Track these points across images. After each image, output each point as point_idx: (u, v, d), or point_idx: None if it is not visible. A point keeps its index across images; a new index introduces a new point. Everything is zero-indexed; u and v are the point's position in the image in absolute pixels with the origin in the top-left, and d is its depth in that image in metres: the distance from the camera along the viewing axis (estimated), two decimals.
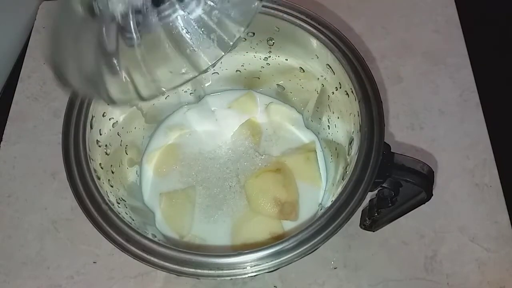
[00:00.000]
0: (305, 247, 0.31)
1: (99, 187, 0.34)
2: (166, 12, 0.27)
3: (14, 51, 0.61)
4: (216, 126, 0.51)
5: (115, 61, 0.27)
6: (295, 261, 0.31)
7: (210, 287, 0.46)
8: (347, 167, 0.37)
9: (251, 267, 0.31)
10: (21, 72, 0.57)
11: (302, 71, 0.44)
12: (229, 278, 0.31)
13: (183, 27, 0.28)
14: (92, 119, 0.36)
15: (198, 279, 0.44)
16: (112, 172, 0.40)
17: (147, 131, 0.49)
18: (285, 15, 0.38)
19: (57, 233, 0.48)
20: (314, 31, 0.38)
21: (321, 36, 0.38)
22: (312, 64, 0.42)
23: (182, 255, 0.31)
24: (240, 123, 0.50)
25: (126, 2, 0.26)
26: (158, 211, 0.46)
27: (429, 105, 0.54)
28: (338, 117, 0.42)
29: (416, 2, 0.61)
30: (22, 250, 0.47)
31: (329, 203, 0.34)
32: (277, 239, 0.40)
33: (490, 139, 0.52)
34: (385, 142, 0.34)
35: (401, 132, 0.52)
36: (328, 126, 0.46)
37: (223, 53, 0.29)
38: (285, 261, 0.31)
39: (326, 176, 0.47)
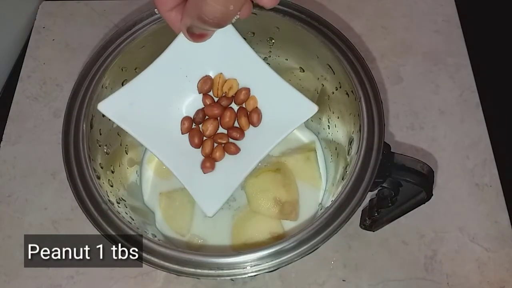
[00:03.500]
0: (305, 247, 0.31)
1: (99, 187, 0.34)
2: None
3: (14, 51, 0.61)
4: None
5: None
6: (295, 261, 0.31)
7: (210, 287, 0.46)
8: (347, 167, 0.37)
9: (251, 267, 0.31)
10: (21, 72, 0.57)
11: (302, 71, 0.44)
12: (229, 278, 0.31)
13: None
14: (92, 119, 0.36)
15: (198, 279, 0.44)
16: (112, 172, 0.40)
17: None
18: (285, 15, 0.38)
19: (57, 232, 0.48)
20: (314, 31, 0.38)
21: (321, 36, 0.38)
22: (312, 64, 0.42)
23: (182, 255, 0.31)
24: None
25: None
26: (158, 211, 0.46)
27: (429, 105, 0.54)
28: (338, 117, 0.42)
29: (416, 2, 0.61)
30: (22, 250, 0.47)
31: (329, 203, 0.34)
32: (277, 239, 0.40)
33: (490, 139, 0.52)
34: (385, 142, 0.34)
35: (401, 132, 0.52)
36: (328, 126, 0.46)
37: None
38: (285, 261, 0.31)
39: (326, 176, 0.47)
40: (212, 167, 0.36)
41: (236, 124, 0.37)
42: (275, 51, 0.43)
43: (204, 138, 0.37)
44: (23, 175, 0.51)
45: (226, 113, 0.36)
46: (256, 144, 0.37)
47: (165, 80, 0.35)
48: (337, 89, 0.40)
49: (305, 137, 0.50)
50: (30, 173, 0.51)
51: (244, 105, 0.37)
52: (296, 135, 0.50)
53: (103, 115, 0.38)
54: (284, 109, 0.36)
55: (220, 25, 0.28)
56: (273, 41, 0.42)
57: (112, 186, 0.38)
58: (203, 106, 0.37)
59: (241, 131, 0.37)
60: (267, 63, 0.40)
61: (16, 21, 0.61)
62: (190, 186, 0.36)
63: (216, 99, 0.37)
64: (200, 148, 0.37)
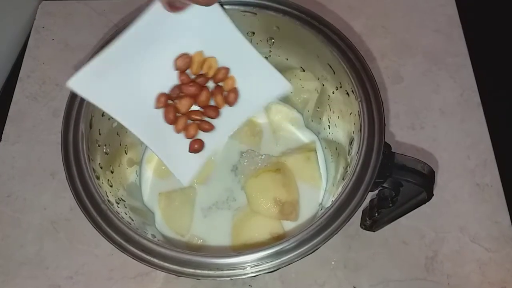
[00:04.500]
0: (305, 247, 0.31)
1: (98, 187, 0.34)
2: None
3: (14, 51, 0.61)
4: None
5: None
6: (295, 261, 0.31)
7: (210, 287, 0.46)
8: (348, 167, 0.37)
9: (251, 267, 0.31)
10: (20, 72, 0.57)
11: (302, 70, 0.44)
12: (229, 278, 0.31)
13: None
14: (91, 119, 0.36)
15: (197, 279, 0.44)
16: (112, 172, 0.40)
17: None
18: (285, 14, 0.38)
19: (56, 233, 0.48)
20: (315, 30, 0.38)
21: (322, 35, 0.38)
22: (312, 63, 0.41)
23: (182, 255, 0.31)
24: None
25: None
26: (157, 211, 0.46)
27: (430, 105, 0.54)
28: (338, 117, 0.42)
29: (417, 2, 0.61)
30: (21, 250, 0.47)
31: (329, 203, 0.34)
32: (277, 239, 0.40)
33: (491, 139, 0.52)
34: (385, 142, 0.34)
35: (401, 132, 0.52)
36: (329, 126, 0.45)
37: None
38: (285, 262, 0.31)
39: (327, 176, 0.47)
40: (201, 148, 0.38)
41: (211, 102, 0.38)
42: (275, 51, 0.43)
43: (178, 114, 0.37)
44: (22, 175, 0.51)
45: (202, 92, 0.37)
46: (229, 120, 0.38)
47: (138, 54, 0.35)
48: (337, 89, 0.40)
49: (305, 137, 0.50)
50: (29, 173, 0.51)
51: (221, 84, 0.37)
52: (297, 135, 0.50)
53: (103, 115, 0.38)
54: (260, 87, 0.37)
55: (208, 3, 0.27)
56: (273, 40, 0.42)
57: (111, 186, 0.38)
58: (179, 82, 0.37)
59: (216, 109, 0.37)
60: None
61: (16, 20, 0.61)
62: (165, 158, 0.37)
63: (192, 76, 0.37)
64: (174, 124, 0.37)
